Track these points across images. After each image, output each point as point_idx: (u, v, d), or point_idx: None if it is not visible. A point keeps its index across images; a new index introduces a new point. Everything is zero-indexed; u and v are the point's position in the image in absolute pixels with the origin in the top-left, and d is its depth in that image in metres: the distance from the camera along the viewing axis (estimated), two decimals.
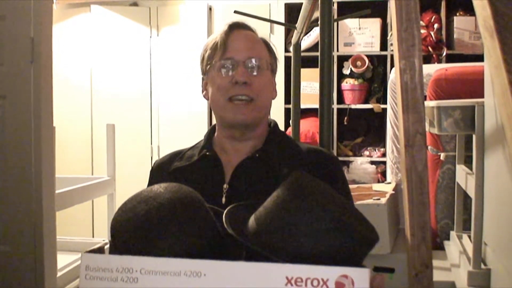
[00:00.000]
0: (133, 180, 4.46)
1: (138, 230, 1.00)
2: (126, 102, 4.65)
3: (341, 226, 0.96)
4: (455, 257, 2.46)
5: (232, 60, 1.35)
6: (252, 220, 1.07)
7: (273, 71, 1.46)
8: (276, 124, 1.49)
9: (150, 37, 4.66)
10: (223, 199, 1.31)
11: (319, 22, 1.94)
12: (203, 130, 5.04)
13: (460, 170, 2.52)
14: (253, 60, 1.36)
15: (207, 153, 1.40)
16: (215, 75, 1.37)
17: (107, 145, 3.28)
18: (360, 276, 0.82)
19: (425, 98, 2.61)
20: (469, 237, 2.42)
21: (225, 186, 1.34)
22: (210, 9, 4.54)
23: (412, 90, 0.80)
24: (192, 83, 4.47)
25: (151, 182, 1.49)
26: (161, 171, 1.47)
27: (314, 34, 4.27)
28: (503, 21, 0.47)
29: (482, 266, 2.10)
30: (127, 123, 4.55)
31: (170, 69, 4.60)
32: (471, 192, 2.16)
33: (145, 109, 4.69)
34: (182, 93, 4.55)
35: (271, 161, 1.36)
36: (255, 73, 1.36)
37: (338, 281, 0.82)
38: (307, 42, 4.32)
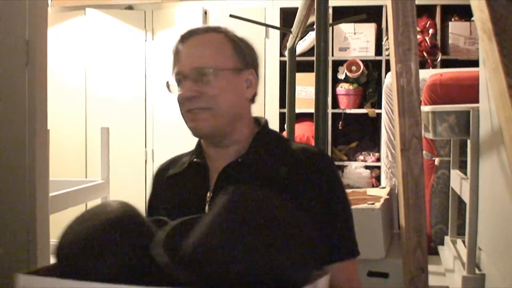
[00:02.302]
0: (127, 184, 4.47)
1: (72, 252, 1.00)
2: (121, 105, 4.64)
3: (270, 256, 0.88)
4: (449, 262, 2.46)
5: (180, 74, 1.29)
6: (185, 244, 0.96)
7: (238, 69, 1.31)
8: (265, 124, 1.39)
9: (145, 40, 4.66)
10: (206, 208, 1.26)
11: (314, 27, 1.94)
12: None
13: (455, 175, 2.52)
14: (200, 70, 1.26)
15: (195, 160, 1.36)
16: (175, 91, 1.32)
17: (101, 149, 3.27)
18: None
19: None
20: (463, 242, 2.43)
21: (208, 194, 1.29)
22: (206, 13, 4.54)
23: (408, 93, 0.80)
24: None
25: (151, 188, 1.46)
26: (159, 177, 1.44)
27: (309, 39, 4.28)
28: (502, 24, 0.46)
29: (477, 271, 2.10)
30: (122, 126, 4.54)
31: (165, 73, 4.59)
32: (466, 197, 2.16)
33: (140, 112, 4.68)
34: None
35: (256, 165, 1.29)
36: (206, 82, 1.26)
37: None
38: (302, 46, 4.33)
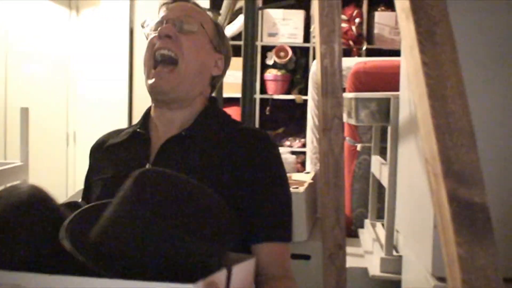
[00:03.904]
0: (48, 166, 4.32)
1: None
2: (42, 85, 4.47)
3: (175, 243, 0.86)
4: (368, 244, 2.54)
5: (164, 18, 1.30)
6: (91, 232, 0.92)
7: (213, 44, 1.35)
8: (215, 101, 1.40)
9: (70, 18, 4.50)
10: None
11: (243, 11, 1.94)
12: (123, 116, 4.87)
13: (375, 160, 2.60)
14: (187, 18, 1.29)
15: (138, 130, 1.33)
16: (149, 36, 1.33)
17: (20, 129, 3.14)
18: None
19: (344, 90, 2.68)
20: (382, 225, 2.51)
21: (147, 166, 1.24)
22: None
23: (331, 74, 0.81)
24: (112, 67, 4.36)
25: (88, 164, 1.41)
26: (97, 149, 1.39)
27: (238, 23, 4.27)
28: (419, 2, 0.48)
29: (394, 252, 2.18)
30: (43, 107, 4.38)
31: (90, 52, 4.46)
32: (385, 182, 2.24)
33: (62, 93, 4.52)
34: (102, 77, 4.43)
35: (198, 140, 1.27)
36: (186, 32, 1.28)
37: None
38: (230, 30, 4.31)
